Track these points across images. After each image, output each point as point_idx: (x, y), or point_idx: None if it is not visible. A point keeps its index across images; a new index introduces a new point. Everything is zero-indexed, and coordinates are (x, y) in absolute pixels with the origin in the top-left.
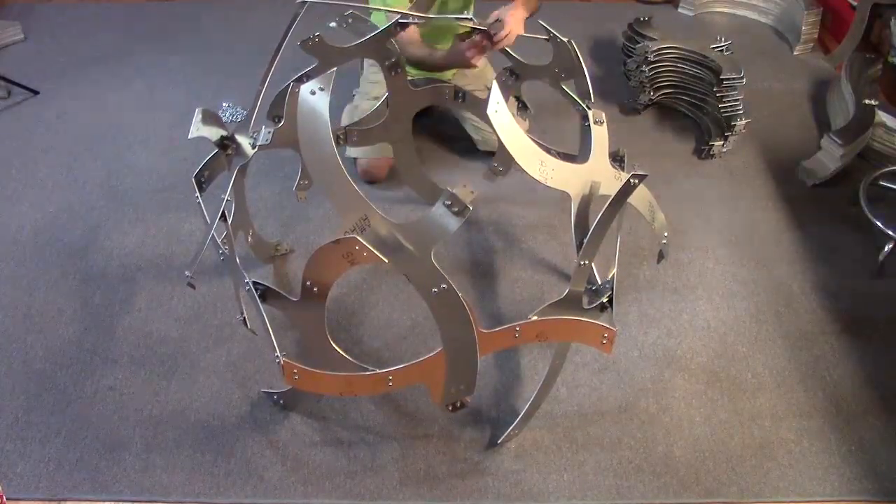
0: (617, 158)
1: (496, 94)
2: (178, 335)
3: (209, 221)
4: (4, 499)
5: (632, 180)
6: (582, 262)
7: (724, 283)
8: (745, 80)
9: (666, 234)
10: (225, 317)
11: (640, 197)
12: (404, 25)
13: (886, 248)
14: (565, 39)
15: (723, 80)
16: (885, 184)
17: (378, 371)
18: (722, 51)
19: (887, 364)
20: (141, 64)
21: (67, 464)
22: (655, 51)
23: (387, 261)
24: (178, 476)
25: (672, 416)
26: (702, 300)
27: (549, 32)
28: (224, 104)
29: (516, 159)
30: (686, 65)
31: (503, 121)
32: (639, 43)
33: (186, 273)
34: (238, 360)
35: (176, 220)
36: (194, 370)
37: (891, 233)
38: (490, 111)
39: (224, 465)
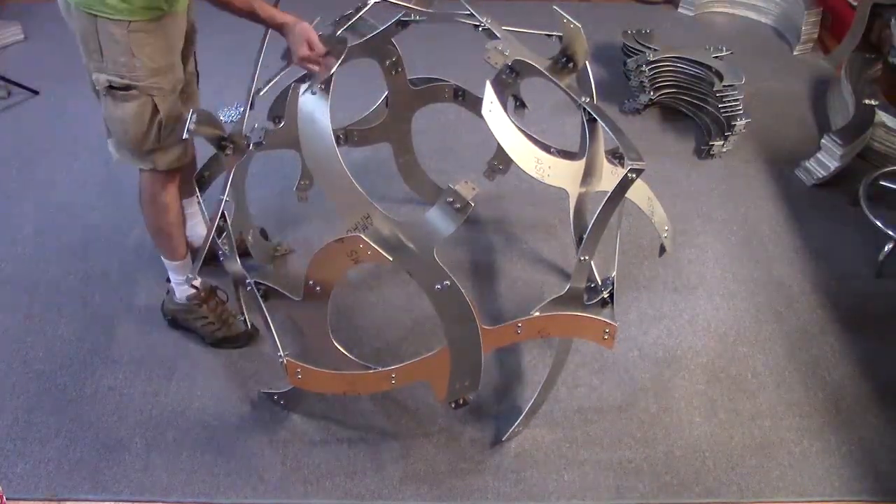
0: (616, 155)
1: (490, 94)
2: (178, 335)
3: (209, 222)
4: (4, 499)
5: (629, 174)
6: (582, 258)
7: (724, 283)
8: (744, 81)
9: (667, 227)
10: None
11: (639, 191)
12: (405, 24)
13: (886, 248)
14: (579, 25)
15: (724, 84)
16: (885, 184)
17: (381, 369)
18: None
19: (888, 364)
20: None
21: (67, 464)
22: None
23: (391, 259)
24: (178, 476)
25: (672, 415)
26: (702, 300)
27: (561, 17)
28: (223, 105)
29: (512, 158)
30: (686, 65)
31: (498, 120)
32: (639, 53)
33: (188, 274)
34: (238, 361)
35: None
36: (194, 370)
37: (891, 233)
38: (484, 111)
39: (224, 465)
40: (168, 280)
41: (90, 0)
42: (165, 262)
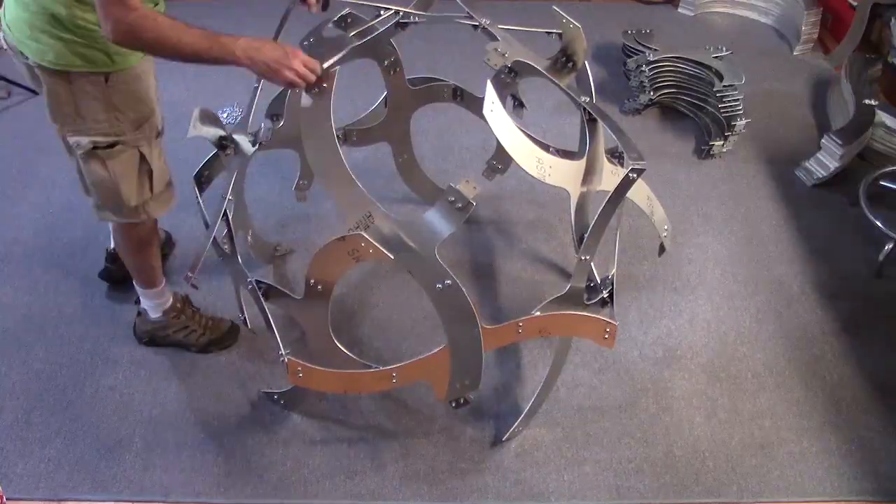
0: (616, 155)
1: (491, 93)
2: None
3: (210, 222)
4: (4, 499)
5: (630, 174)
6: (583, 258)
7: (724, 283)
8: (744, 81)
9: (666, 226)
10: (226, 316)
11: (639, 191)
12: (405, 25)
13: (886, 248)
14: (579, 25)
15: (724, 84)
16: (885, 184)
17: (382, 368)
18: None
19: (887, 364)
20: None
21: (67, 464)
22: (655, 61)
23: (392, 257)
24: (178, 476)
25: (672, 415)
26: (702, 300)
27: (561, 17)
28: (225, 106)
29: (514, 157)
30: (686, 65)
31: (499, 119)
32: (639, 53)
33: (189, 274)
34: (238, 361)
35: (175, 219)
36: (194, 370)
37: (891, 233)
38: (486, 111)
39: (224, 465)
40: (137, 302)
41: (60, 54)
42: (139, 288)
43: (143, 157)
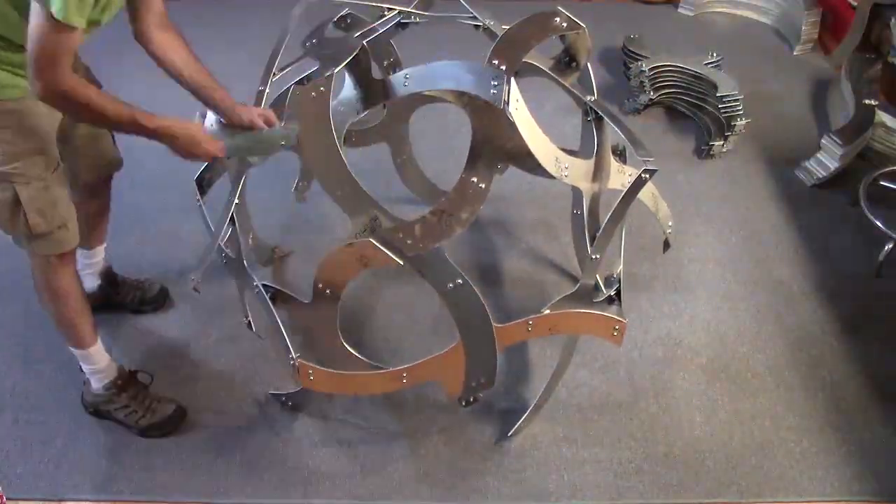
0: (617, 153)
1: (515, 92)
2: (178, 336)
3: (212, 224)
4: (4, 499)
5: (643, 174)
6: (594, 256)
7: (724, 283)
8: (738, 91)
9: (670, 223)
10: (226, 318)
11: (645, 188)
12: (405, 25)
13: (886, 248)
14: (583, 25)
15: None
16: (885, 184)
17: (392, 369)
18: (717, 66)
19: (887, 364)
20: (141, 64)
21: (67, 464)
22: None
23: (402, 263)
24: (178, 476)
25: (672, 416)
26: (702, 300)
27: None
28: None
29: (537, 156)
30: (684, 66)
31: (524, 118)
32: (634, 61)
33: (192, 278)
34: (238, 361)
35: (176, 220)
36: (194, 370)
37: (891, 233)
38: (511, 108)
39: (224, 465)
40: (81, 370)
41: None
42: (73, 350)
43: (16, 194)
